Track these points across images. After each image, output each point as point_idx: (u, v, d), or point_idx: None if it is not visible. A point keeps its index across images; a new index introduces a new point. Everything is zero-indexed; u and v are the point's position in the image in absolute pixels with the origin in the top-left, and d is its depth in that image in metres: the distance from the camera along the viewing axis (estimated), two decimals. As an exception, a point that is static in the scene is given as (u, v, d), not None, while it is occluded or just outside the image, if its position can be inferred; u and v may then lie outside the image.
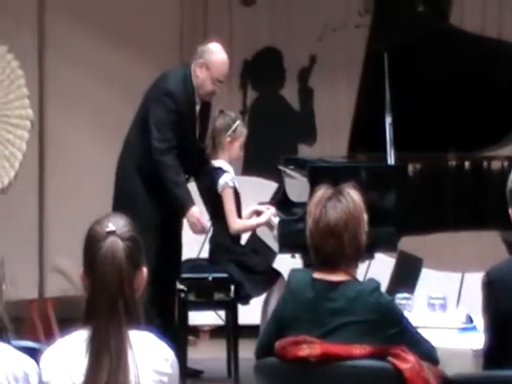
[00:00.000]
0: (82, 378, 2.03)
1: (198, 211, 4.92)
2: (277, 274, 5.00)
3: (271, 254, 5.46)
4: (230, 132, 5.11)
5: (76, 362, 2.06)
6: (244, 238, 5.38)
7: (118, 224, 2.17)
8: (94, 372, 2.02)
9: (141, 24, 6.11)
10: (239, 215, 5.11)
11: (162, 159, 4.83)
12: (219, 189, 5.05)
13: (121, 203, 4.85)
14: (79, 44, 5.93)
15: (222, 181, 5.05)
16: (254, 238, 5.26)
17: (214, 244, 5.13)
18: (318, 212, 2.77)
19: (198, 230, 4.94)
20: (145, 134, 4.91)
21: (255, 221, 5.14)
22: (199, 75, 4.95)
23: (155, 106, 4.89)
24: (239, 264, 5.02)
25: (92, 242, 2.15)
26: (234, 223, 5.04)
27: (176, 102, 4.90)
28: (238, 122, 5.16)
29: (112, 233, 2.13)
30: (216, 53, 4.99)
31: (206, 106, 5.09)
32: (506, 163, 5.08)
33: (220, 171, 5.08)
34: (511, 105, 5.47)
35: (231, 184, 5.07)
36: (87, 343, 2.07)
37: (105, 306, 2.08)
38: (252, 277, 5.03)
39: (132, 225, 2.20)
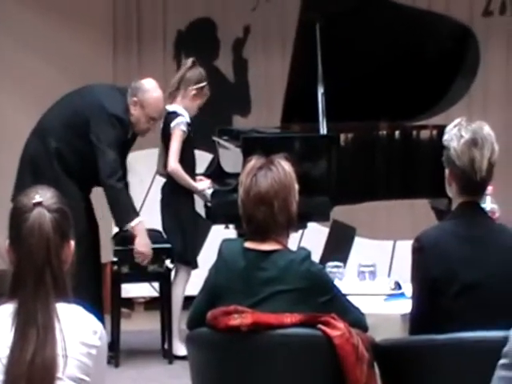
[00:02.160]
0: (7, 352, 2.00)
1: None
2: (195, 265, 5.09)
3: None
4: (197, 86, 5.12)
5: (1, 335, 2.03)
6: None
7: (45, 195, 2.14)
8: (20, 345, 1.99)
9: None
10: (193, 177, 5.10)
11: (118, 183, 4.86)
12: (171, 130, 5.07)
13: (40, 183, 4.81)
14: (20, 20, 5.83)
15: (174, 122, 5.07)
16: (193, 212, 5.26)
17: (166, 194, 5.16)
18: (248, 181, 2.79)
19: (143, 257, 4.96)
20: (75, 130, 4.90)
21: (192, 182, 5.11)
22: (133, 113, 4.97)
23: (106, 128, 4.87)
24: (183, 230, 5.06)
25: (18, 214, 2.11)
26: (173, 162, 5.04)
27: (124, 131, 4.94)
28: (206, 83, 5.18)
29: (39, 204, 2.10)
30: (150, 91, 4.98)
31: (134, 136, 5.14)
32: (434, 132, 5.15)
33: (174, 115, 5.11)
34: (440, 74, 5.54)
35: (183, 127, 5.06)
36: (13, 317, 2.03)
37: (32, 278, 2.05)
38: (186, 243, 5.07)
39: (60, 197, 2.17)
